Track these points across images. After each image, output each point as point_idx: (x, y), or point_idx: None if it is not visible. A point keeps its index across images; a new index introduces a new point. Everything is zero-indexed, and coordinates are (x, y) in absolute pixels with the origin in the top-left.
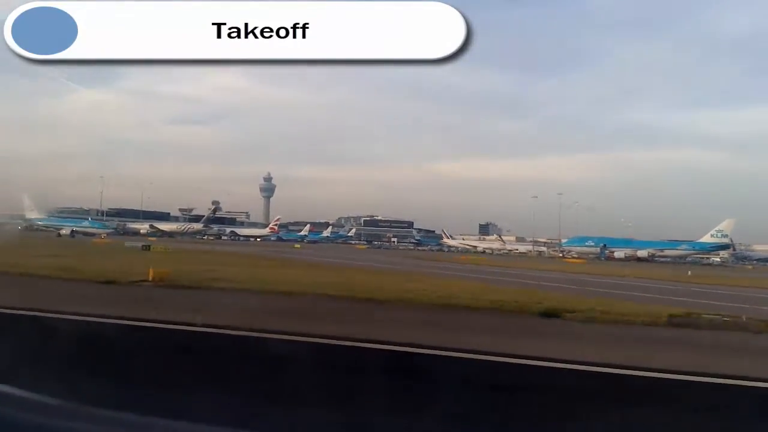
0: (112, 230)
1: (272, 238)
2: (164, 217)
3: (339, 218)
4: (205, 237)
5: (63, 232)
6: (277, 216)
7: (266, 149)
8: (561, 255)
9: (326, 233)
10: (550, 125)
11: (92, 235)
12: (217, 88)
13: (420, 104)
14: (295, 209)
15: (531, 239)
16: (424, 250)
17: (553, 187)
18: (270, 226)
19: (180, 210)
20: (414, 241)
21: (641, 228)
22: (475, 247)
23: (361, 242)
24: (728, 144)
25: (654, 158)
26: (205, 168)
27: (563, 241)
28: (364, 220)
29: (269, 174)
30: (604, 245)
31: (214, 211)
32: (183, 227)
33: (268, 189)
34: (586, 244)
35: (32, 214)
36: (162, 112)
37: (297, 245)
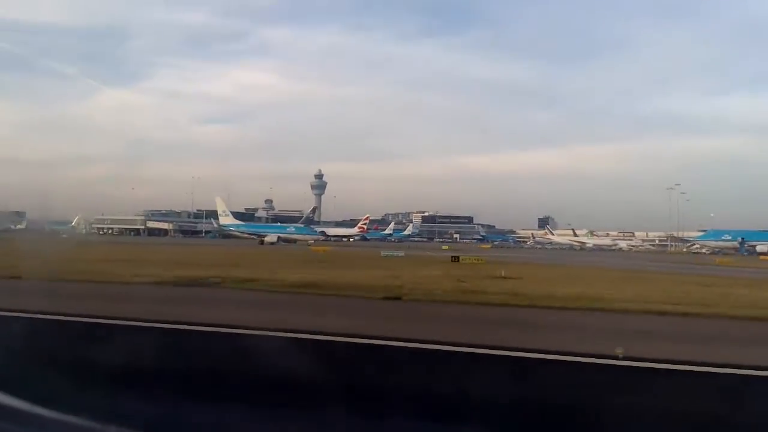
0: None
1: (356, 238)
2: (250, 217)
3: (386, 215)
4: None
5: (268, 239)
6: (366, 214)
7: (295, 146)
8: (694, 251)
9: (389, 230)
10: (579, 115)
11: (293, 242)
12: (242, 86)
13: (446, 98)
14: (332, 206)
15: (605, 234)
16: (511, 246)
17: (584, 177)
18: (359, 225)
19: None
20: (479, 237)
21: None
22: (584, 243)
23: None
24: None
25: (688, 146)
26: (232, 166)
27: (697, 235)
28: (422, 216)
29: (320, 171)
30: (742, 239)
31: (313, 211)
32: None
33: (319, 186)
34: (722, 238)
35: (226, 220)
36: (188, 111)
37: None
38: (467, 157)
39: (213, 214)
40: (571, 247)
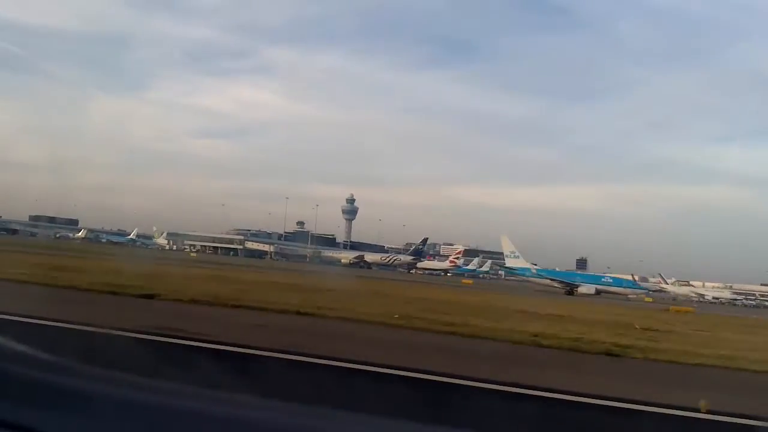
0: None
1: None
2: (331, 242)
3: (407, 244)
4: (413, 271)
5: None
6: (459, 247)
7: (290, 166)
8: None
9: (473, 265)
10: (575, 154)
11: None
12: (243, 104)
13: (442, 127)
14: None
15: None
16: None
17: (573, 216)
18: (450, 259)
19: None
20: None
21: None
22: (703, 295)
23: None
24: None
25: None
26: (227, 183)
27: None
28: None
29: (352, 195)
30: None
31: (424, 242)
32: (388, 258)
33: (350, 211)
34: None
35: (515, 262)
36: (185, 124)
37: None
38: (467, 188)
39: (302, 236)
40: (690, 299)
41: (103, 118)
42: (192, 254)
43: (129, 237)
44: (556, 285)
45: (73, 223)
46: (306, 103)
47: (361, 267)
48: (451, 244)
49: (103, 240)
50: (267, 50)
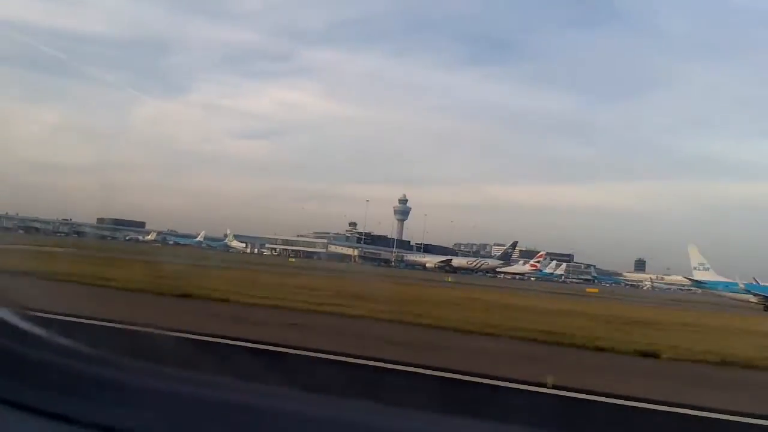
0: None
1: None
2: (386, 243)
3: (456, 244)
4: (501, 275)
5: None
6: (541, 251)
7: (329, 166)
8: None
9: (550, 269)
10: (615, 151)
11: None
12: (282, 105)
13: (480, 126)
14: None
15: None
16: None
17: (616, 214)
18: (531, 262)
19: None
20: (590, 278)
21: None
22: None
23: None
24: None
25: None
26: (265, 183)
27: None
28: (521, 251)
29: (404, 196)
30: None
31: (513, 246)
32: (476, 263)
33: (403, 212)
34: None
35: (703, 275)
36: (226, 126)
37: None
38: (506, 187)
39: (381, 241)
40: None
41: (146, 121)
42: (291, 260)
43: (196, 239)
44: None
45: (139, 225)
46: (344, 103)
47: (446, 271)
48: (502, 245)
49: (171, 243)
50: (305, 52)
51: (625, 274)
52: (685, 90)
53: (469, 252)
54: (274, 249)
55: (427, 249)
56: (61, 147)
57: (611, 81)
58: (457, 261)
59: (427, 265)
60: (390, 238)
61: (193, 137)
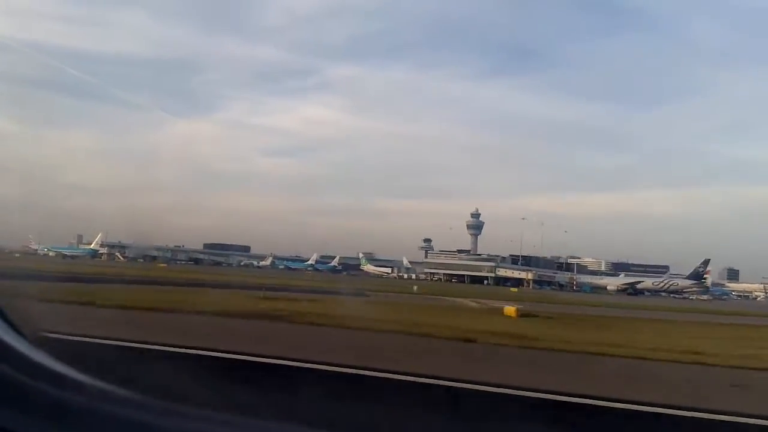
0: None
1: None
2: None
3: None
4: (693, 297)
5: None
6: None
7: (356, 181)
8: None
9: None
10: (648, 159)
11: None
12: (309, 121)
13: (510, 137)
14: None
15: None
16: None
17: (655, 221)
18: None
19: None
20: (712, 295)
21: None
22: None
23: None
24: None
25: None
26: (295, 199)
27: None
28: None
29: (477, 210)
30: None
31: (705, 264)
32: (664, 283)
33: (476, 226)
34: None
35: None
36: (254, 143)
37: None
38: (538, 198)
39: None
40: None
41: (174, 140)
42: (512, 290)
43: (308, 262)
44: None
45: (244, 249)
46: (371, 118)
47: (629, 294)
48: (578, 258)
49: (281, 266)
50: (331, 67)
51: (727, 284)
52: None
53: (556, 264)
54: (432, 274)
55: (528, 263)
56: (90, 170)
57: (643, 89)
58: (643, 282)
59: (608, 288)
60: (538, 257)
61: (221, 155)
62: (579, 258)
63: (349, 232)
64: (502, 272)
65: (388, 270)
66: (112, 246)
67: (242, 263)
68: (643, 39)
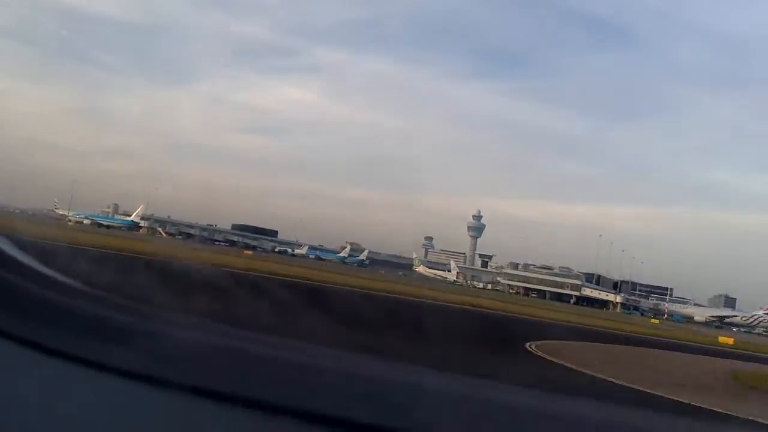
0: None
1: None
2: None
3: (511, 263)
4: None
5: None
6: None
7: (330, 167)
8: None
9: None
10: (620, 173)
11: None
12: (287, 102)
13: (484, 139)
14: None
15: None
16: None
17: (619, 236)
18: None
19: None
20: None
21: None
22: None
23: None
24: None
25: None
26: (266, 181)
27: None
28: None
29: (479, 212)
30: None
31: None
32: (754, 318)
33: (477, 228)
34: None
35: None
36: (231, 119)
37: None
38: (506, 202)
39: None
40: None
41: (149, 108)
42: (653, 321)
43: (341, 255)
44: None
45: (271, 234)
46: (350, 105)
47: (716, 327)
48: (568, 268)
49: (311, 256)
50: (315, 50)
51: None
52: (690, 118)
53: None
54: (511, 286)
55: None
56: (62, 129)
57: (620, 103)
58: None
59: (695, 318)
60: (591, 273)
61: (196, 128)
62: (568, 268)
63: (326, 219)
64: (588, 292)
65: (447, 274)
66: (155, 220)
67: (276, 249)
68: (626, 55)
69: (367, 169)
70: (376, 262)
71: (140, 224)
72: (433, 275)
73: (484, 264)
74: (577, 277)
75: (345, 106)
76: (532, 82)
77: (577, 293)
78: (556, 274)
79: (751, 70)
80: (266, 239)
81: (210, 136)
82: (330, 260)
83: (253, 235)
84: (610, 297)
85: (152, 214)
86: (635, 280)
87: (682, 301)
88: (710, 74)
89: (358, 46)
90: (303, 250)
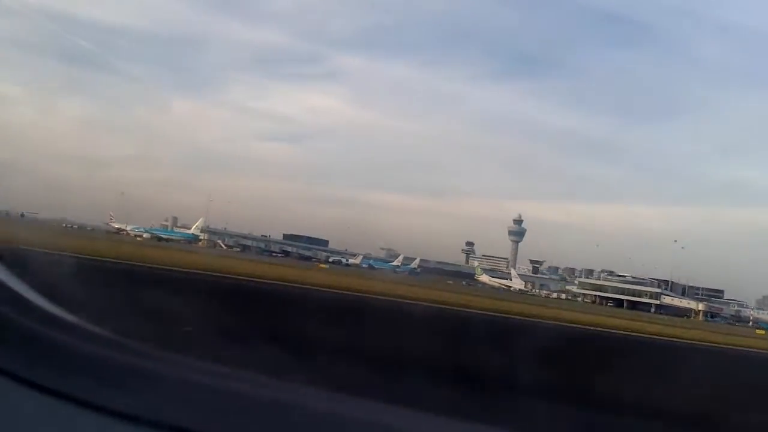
0: None
1: None
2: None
3: (536, 265)
4: None
5: None
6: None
7: (353, 172)
8: None
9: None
10: (642, 173)
11: None
12: (309, 109)
13: (508, 141)
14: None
15: None
16: None
17: (642, 236)
18: None
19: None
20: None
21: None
22: None
23: None
24: None
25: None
26: (291, 186)
27: None
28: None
29: (519, 216)
30: None
31: None
32: None
33: (518, 233)
34: None
35: None
36: (252, 127)
37: None
38: (528, 204)
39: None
40: None
41: (172, 117)
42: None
43: (394, 263)
44: None
45: (322, 243)
46: (373, 111)
47: None
48: (611, 271)
49: (364, 266)
50: (336, 57)
51: None
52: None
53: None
54: (585, 295)
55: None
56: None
57: (643, 103)
58: None
59: None
60: (659, 280)
61: (217, 136)
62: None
63: (352, 224)
64: (668, 300)
65: (511, 282)
66: (213, 232)
67: (330, 260)
68: (647, 54)
69: (393, 173)
70: (426, 270)
71: (200, 237)
72: (498, 284)
73: (535, 270)
74: (650, 284)
75: (368, 111)
76: (552, 82)
77: (657, 301)
78: (629, 282)
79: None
80: (319, 249)
81: (229, 143)
82: (381, 268)
83: (306, 245)
84: (692, 305)
85: (208, 226)
86: (685, 282)
87: (738, 303)
88: (731, 72)
89: (378, 52)
90: (357, 260)
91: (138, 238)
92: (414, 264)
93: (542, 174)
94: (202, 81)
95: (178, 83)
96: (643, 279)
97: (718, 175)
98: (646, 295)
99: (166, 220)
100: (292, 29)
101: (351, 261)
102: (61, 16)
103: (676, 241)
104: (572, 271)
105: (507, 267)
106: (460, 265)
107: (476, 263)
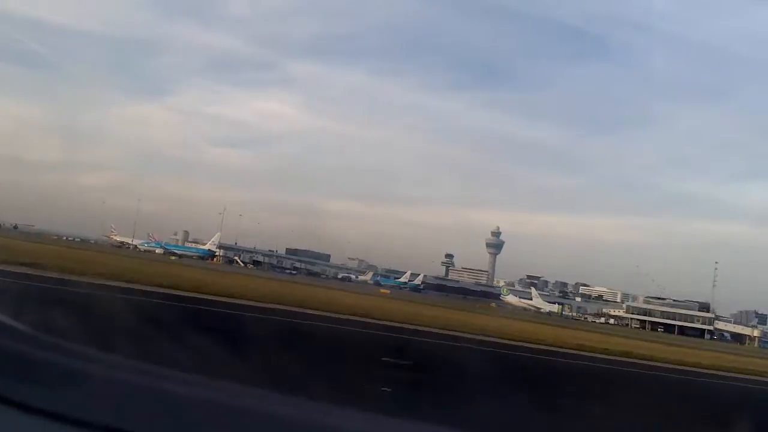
0: None
1: None
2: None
3: (504, 281)
4: None
5: None
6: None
7: (307, 179)
8: None
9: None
10: (597, 184)
11: None
12: (262, 115)
13: (462, 150)
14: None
15: None
16: None
17: (596, 246)
18: None
19: None
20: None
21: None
22: None
23: None
24: None
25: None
26: (243, 194)
27: None
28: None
29: (498, 228)
30: None
31: None
32: None
33: (496, 245)
34: None
35: None
36: (204, 132)
37: None
38: (484, 212)
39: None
40: None
41: (125, 122)
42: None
43: (401, 280)
44: None
45: (323, 258)
46: (326, 117)
47: None
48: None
49: (371, 282)
50: (291, 63)
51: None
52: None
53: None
54: (625, 320)
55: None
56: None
57: (597, 115)
58: None
59: None
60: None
61: (170, 141)
62: (588, 286)
63: (308, 232)
64: (721, 326)
65: (540, 304)
66: (228, 248)
67: (339, 276)
68: (604, 68)
69: (340, 180)
70: (428, 285)
71: (216, 253)
72: (526, 305)
73: (533, 285)
74: (694, 307)
75: (320, 119)
76: (508, 94)
77: (710, 327)
78: (675, 305)
79: (722, 80)
80: (325, 265)
81: (183, 148)
82: (390, 285)
83: (311, 260)
84: (747, 331)
85: (235, 243)
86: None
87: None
88: (683, 86)
89: (332, 59)
90: (367, 277)
91: (148, 253)
92: (417, 280)
93: (498, 183)
94: (154, 85)
95: (131, 86)
96: (683, 301)
97: (670, 187)
98: (699, 320)
99: (175, 234)
100: (248, 35)
101: (360, 278)
102: (11, 17)
103: (717, 262)
104: (565, 285)
105: (486, 280)
106: (459, 281)
107: (503, 283)
